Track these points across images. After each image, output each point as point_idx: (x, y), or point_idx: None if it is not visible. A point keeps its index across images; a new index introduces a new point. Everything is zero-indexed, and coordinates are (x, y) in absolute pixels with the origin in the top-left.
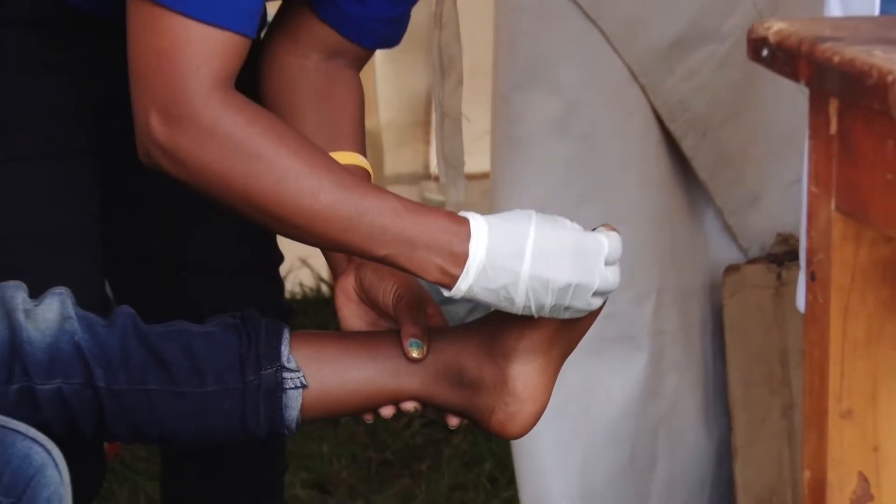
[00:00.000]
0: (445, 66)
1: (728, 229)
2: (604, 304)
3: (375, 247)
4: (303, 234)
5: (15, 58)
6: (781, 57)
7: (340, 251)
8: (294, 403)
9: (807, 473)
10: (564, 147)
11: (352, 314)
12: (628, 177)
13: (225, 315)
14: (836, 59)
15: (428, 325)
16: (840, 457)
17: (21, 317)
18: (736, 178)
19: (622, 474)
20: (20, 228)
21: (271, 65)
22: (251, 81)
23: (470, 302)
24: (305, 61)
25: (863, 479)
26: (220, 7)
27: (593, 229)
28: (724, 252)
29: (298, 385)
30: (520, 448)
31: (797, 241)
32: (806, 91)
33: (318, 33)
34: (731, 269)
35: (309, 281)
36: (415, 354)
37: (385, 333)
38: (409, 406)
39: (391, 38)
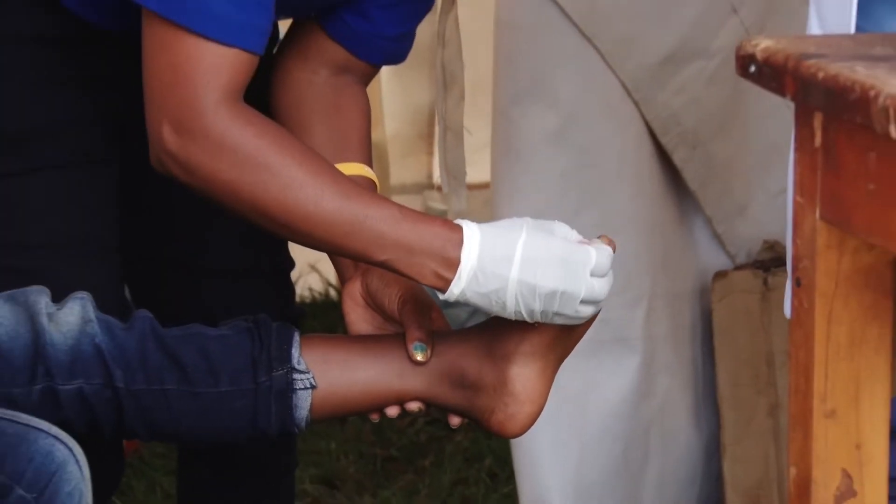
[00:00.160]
0: (448, 82)
1: (717, 237)
2: (597, 312)
3: (375, 252)
4: (307, 239)
5: (35, 73)
6: (768, 73)
7: (343, 255)
8: (304, 403)
9: (793, 470)
10: (561, 158)
11: (359, 318)
12: (622, 187)
13: (238, 319)
14: (821, 75)
15: (431, 330)
16: (824, 455)
17: (44, 320)
18: (724, 189)
19: (616, 470)
20: (44, 236)
21: (282, 80)
22: (263, 95)
23: (470, 306)
24: (315, 77)
25: (846, 475)
26: (230, 26)
27: (593, 239)
28: (713, 259)
29: (308, 386)
30: (519, 445)
31: (783, 248)
32: (791, 105)
33: (328, 50)
34: (720, 274)
35: (318, 285)
36: (419, 357)
37: (390, 337)
38: (414, 406)
39: (397, 55)
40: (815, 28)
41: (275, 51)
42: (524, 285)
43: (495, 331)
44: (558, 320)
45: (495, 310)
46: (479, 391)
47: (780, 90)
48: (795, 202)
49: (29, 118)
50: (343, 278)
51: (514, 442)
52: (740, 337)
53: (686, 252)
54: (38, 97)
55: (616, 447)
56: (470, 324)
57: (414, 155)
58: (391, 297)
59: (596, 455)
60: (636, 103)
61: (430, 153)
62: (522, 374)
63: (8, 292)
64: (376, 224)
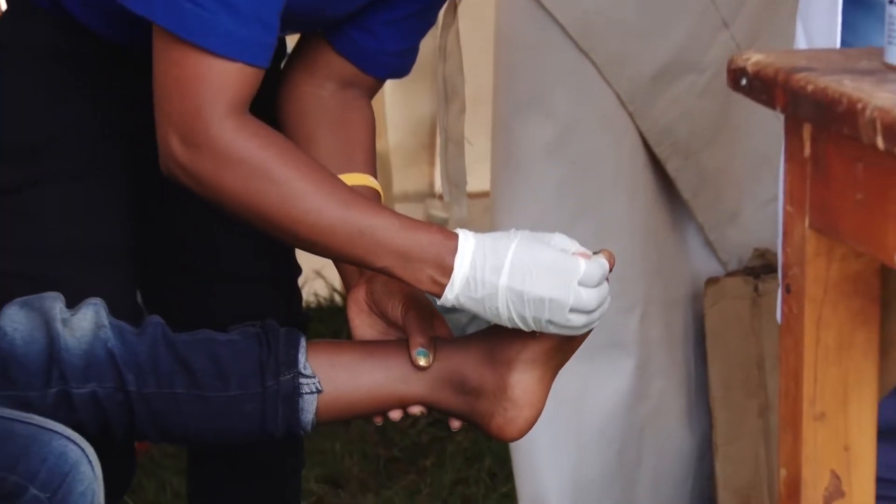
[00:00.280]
0: (449, 95)
1: (709, 244)
2: (590, 322)
3: (375, 259)
4: (311, 247)
5: (49, 86)
6: (759, 86)
7: (345, 262)
8: (310, 407)
9: (783, 471)
10: (559, 169)
11: (363, 324)
12: (617, 196)
13: (247, 324)
14: (810, 87)
15: (434, 336)
16: (814, 456)
17: (59, 326)
18: (716, 197)
19: (612, 470)
20: (58, 243)
21: (290, 93)
22: (271, 107)
23: (468, 312)
24: (321, 90)
25: (835, 476)
26: (235, 42)
27: (595, 252)
28: (705, 265)
29: (314, 390)
30: (517, 446)
31: (773, 255)
32: (780, 117)
33: (334, 65)
34: (712, 281)
35: (323, 291)
36: (422, 363)
37: (394, 342)
38: (416, 410)
39: (401, 69)
40: (801, 44)
41: (282, 65)
42: (513, 292)
43: (497, 338)
44: (552, 329)
45: (490, 316)
46: (479, 396)
47: (770, 103)
48: (785, 211)
49: (43, 130)
50: (348, 285)
51: (513, 443)
52: (732, 341)
53: (679, 259)
54: (52, 109)
55: (612, 448)
56: (470, 329)
57: (416, 165)
58: (395, 304)
59: (592, 455)
60: (631, 115)
61: (432, 163)
62: (522, 380)
63: (23, 298)
64: (376, 233)
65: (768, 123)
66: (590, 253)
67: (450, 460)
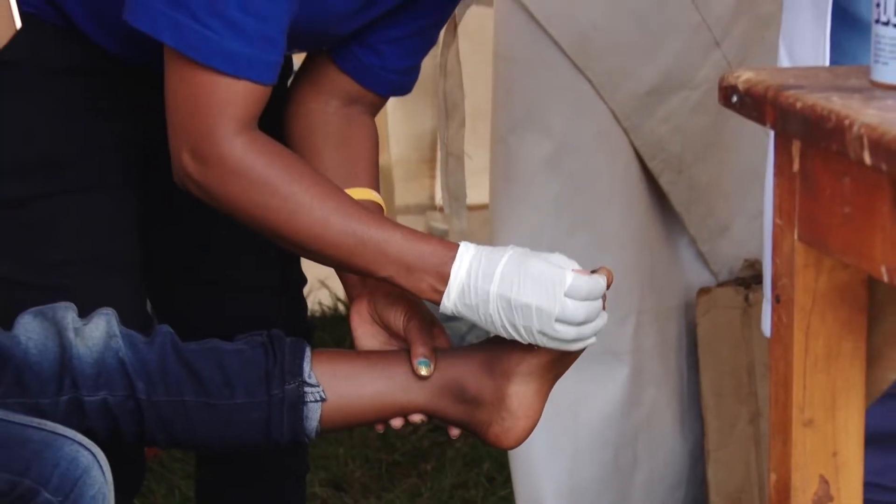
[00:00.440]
0: (449, 110)
1: (701, 256)
2: (582, 338)
3: (378, 269)
4: (317, 257)
5: (64, 103)
6: (749, 103)
7: (350, 271)
8: (314, 415)
9: (773, 476)
10: (555, 182)
11: (366, 334)
12: (612, 209)
13: (253, 333)
14: (799, 105)
15: (434, 346)
16: (803, 461)
17: (71, 335)
18: (707, 211)
19: (607, 475)
20: (71, 254)
21: (296, 110)
22: (278, 123)
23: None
24: (326, 107)
25: (823, 481)
26: (243, 62)
27: (593, 271)
28: (697, 276)
29: (318, 398)
30: (515, 451)
31: (762, 266)
32: (770, 133)
33: (339, 82)
34: (704, 291)
35: (327, 300)
36: (423, 372)
37: (396, 352)
38: (416, 418)
39: (404, 86)
40: (784, 65)
41: (289, 82)
42: (502, 299)
43: (496, 350)
44: (545, 341)
45: (486, 323)
46: (478, 406)
47: (760, 119)
48: (775, 224)
49: (58, 145)
50: (351, 296)
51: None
52: (723, 349)
53: (672, 270)
54: (66, 125)
55: (607, 453)
56: (469, 338)
57: (417, 178)
58: (396, 315)
59: (588, 460)
60: (625, 131)
61: (433, 176)
62: (520, 392)
63: (37, 308)
64: (378, 245)
65: (758, 139)
66: (587, 271)
67: (450, 464)
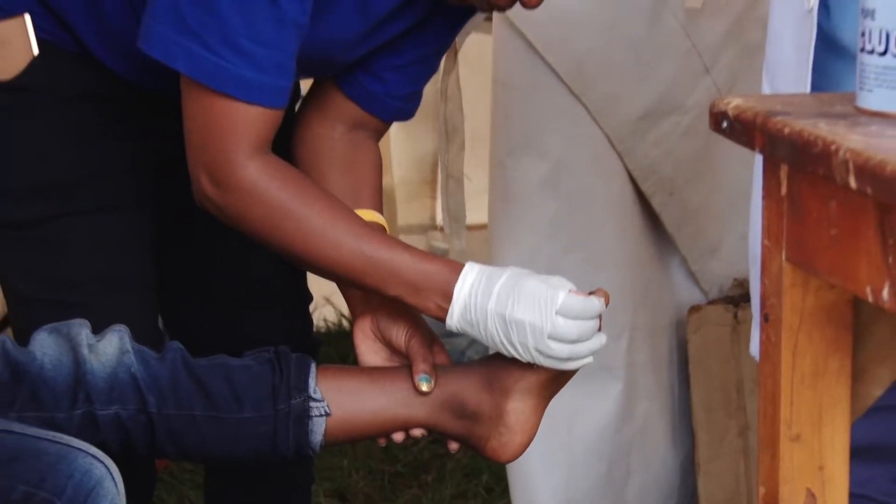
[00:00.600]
0: (450, 134)
1: (692, 275)
2: (577, 355)
3: (387, 288)
4: (328, 276)
5: (80, 127)
6: (739, 128)
7: (360, 289)
8: (318, 429)
9: (761, 489)
10: (552, 203)
11: (368, 350)
12: (607, 229)
13: (261, 350)
14: (787, 130)
15: (435, 363)
16: (790, 475)
17: (85, 351)
18: (698, 231)
19: (601, 486)
20: (86, 273)
21: (304, 134)
22: (287, 145)
23: (468, 336)
24: (332, 132)
25: (810, 494)
26: (255, 88)
27: (590, 293)
28: (688, 294)
29: (323, 413)
30: (513, 463)
31: (749, 286)
32: (755, 157)
33: (344, 108)
34: (694, 309)
35: (332, 317)
36: (424, 388)
37: (398, 369)
38: (417, 432)
39: (406, 112)
40: (766, 92)
41: (297, 107)
42: (498, 315)
43: (496, 368)
44: (541, 359)
45: (486, 339)
46: (476, 421)
47: (749, 144)
48: (763, 245)
49: (72, 168)
50: (354, 314)
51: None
52: (713, 365)
53: (664, 288)
54: (81, 149)
55: (601, 465)
56: (469, 353)
57: (419, 199)
58: (398, 332)
59: (583, 472)
60: (619, 154)
61: (434, 197)
62: (518, 408)
63: (52, 325)
64: (387, 265)
65: (747, 163)
66: (584, 293)
67: (450, 476)
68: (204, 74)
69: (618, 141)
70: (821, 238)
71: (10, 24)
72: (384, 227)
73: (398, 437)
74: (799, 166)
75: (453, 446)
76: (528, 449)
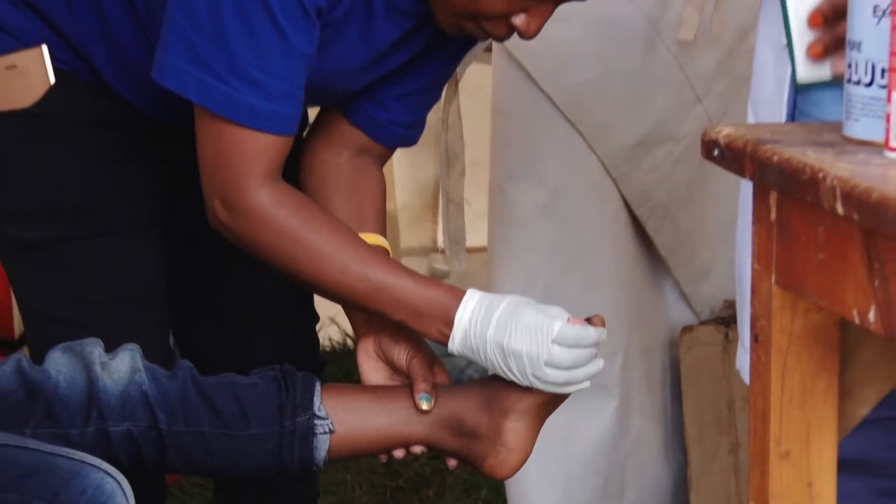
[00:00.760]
0: (451, 161)
1: (684, 296)
2: (573, 381)
3: (392, 312)
4: (334, 299)
5: (95, 153)
6: (730, 156)
7: (365, 313)
8: (323, 446)
9: None
10: (549, 227)
11: (371, 370)
12: (602, 252)
13: (267, 368)
14: (776, 158)
15: (435, 382)
16: (780, 491)
17: (98, 369)
18: (690, 254)
19: (597, 500)
20: (100, 293)
21: (311, 160)
22: (295, 171)
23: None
24: (338, 158)
25: None
26: (265, 117)
27: (587, 318)
28: (681, 315)
29: (327, 430)
30: (511, 478)
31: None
32: (741, 184)
33: (349, 135)
34: (687, 329)
35: (337, 336)
36: (424, 407)
37: (399, 387)
38: (417, 449)
39: (410, 139)
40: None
41: (304, 134)
42: (496, 344)
43: (494, 389)
44: (538, 383)
45: (486, 364)
46: (475, 439)
47: (740, 171)
48: (753, 269)
49: (87, 192)
50: (358, 334)
51: None
52: (704, 384)
53: (657, 309)
54: (95, 174)
55: (596, 480)
56: (469, 371)
57: (421, 222)
58: (400, 353)
59: (579, 487)
60: (614, 180)
61: (435, 221)
62: (515, 427)
63: (66, 344)
64: (391, 291)
65: (738, 189)
66: (581, 319)
67: (450, 490)
68: (216, 104)
69: (613, 167)
70: (809, 262)
71: (28, 55)
72: (387, 250)
73: (399, 453)
74: (788, 193)
75: (452, 463)
76: (525, 464)
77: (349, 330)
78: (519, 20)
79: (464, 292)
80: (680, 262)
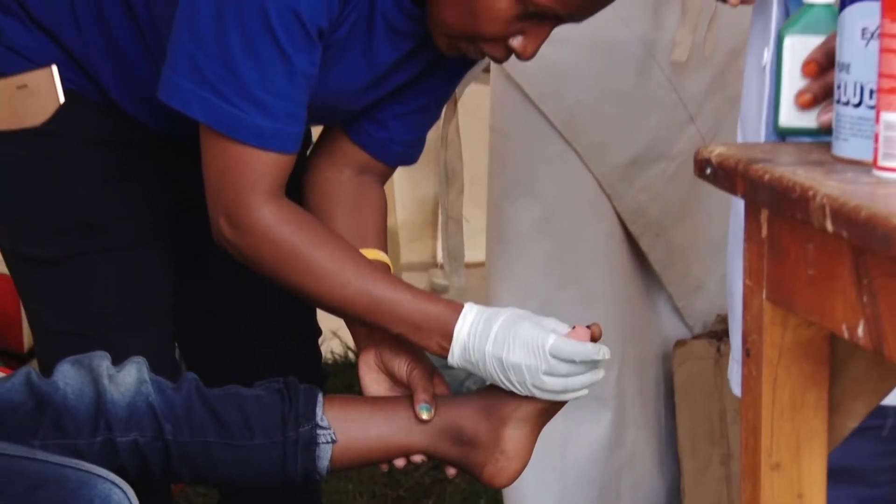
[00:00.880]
0: (450, 178)
1: (677, 311)
2: (570, 388)
3: (392, 326)
4: (336, 313)
5: (103, 171)
6: (722, 175)
7: (368, 327)
8: (325, 455)
9: None
10: (546, 243)
11: (372, 381)
12: (598, 268)
13: (271, 380)
14: (767, 177)
15: (435, 393)
16: (771, 502)
17: (105, 381)
18: (683, 270)
19: None
20: (108, 307)
21: (314, 178)
22: (299, 189)
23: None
24: (341, 176)
25: None
26: (269, 136)
27: (588, 326)
28: (674, 329)
29: (329, 440)
30: (509, 488)
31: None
32: (732, 202)
33: (351, 153)
34: (680, 343)
35: (339, 349)
36: (424, 416)
37: (400, 398)
38: (418, 458)
39: (410, 157)
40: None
41: (308, 152)
42: (495, 358)
43: (495, 397)
44: (537, 392)
45: (486, 376)
46: (474, 447)
47: (732, 190)
48: (745, 285)
49: (99, 208)
50: (359, 347)
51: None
52: (697, 396)
53: (651, 323)
54: (106, 190)
55: (592, 490)
56: (468, 383)
57: (421, 238)
58: (400, 365)
59: (575, 496)
60: (609, 197)
61: (435, 237)
62: (515, 435)
63: (75, 357)
64: (391, 306)
65: (729, 206)
66: (582, 326)
67: (449, 499)
68: (220, 123)
69: (608, 185)
70: (799, 278)
71: (39, 75)
72: (388, 266)
73: (400, 462)
74: (778, 211)
75: (451, 472)
76: (523, 474)
77: (351, 343)
78: (516, 42)
79: (462, 306)
80: (673, 278)
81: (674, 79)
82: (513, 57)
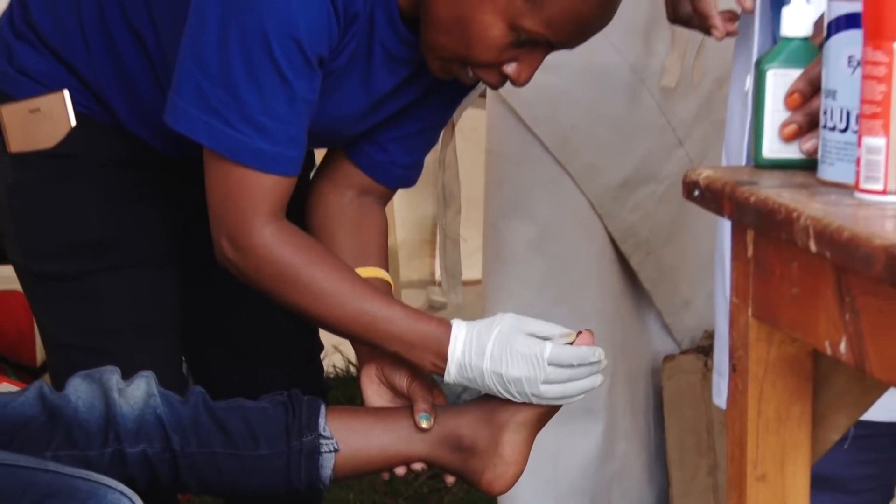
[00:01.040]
0: (447, 199)
1: (666, 327)
2: (567, 393)
3: (387, 345)
4: (334, 332)
5: (113, 192)
6: (709, 197)
7: (363, 344)
8: (328, 464)
9: None
10: (540, 262)
11: (374, 393)
12: (590, 285)
13: (275, 393)
14: (753, 199)
15: (434, 403)
16: None
17: (115, 395)
18: (672, 288)
19: None
20: (117, 323)
21: (316, 200)
22: (302, 210)
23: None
24: (343, 198)
25: None
26: (270, 159)
27: (578, 332)
28: (663, 345)
29: (332, 450)
30: (503, 497)
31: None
32: (719, 222)
33: (353, 176)
34: (669, 358)
35: (340, 363)
36: (424, 425)
37: (400, 409)
38: (418, 467)
39: (409, 179)
40: (723, 161)
41: (311, 175)
42: (494, 374)
43: (493, 404)
44: (535, 400)
45: (482, 388)
46: (472, 454)
47: (719, 211)
48: (732, 302)
49: (109, 227)
50: (361, 361)
51: (500, 496)
52: (685, 409)
53: (641, 339)
54: (116, 210)
55: (584, 500)
56: (465, 396)
57: (420, 257)
58: (401, 377)
59: None
60: (601, 218)
61: (433, 256)
62: (512, 439)
63: (85, 371)
64: (386, 325)
65: (716, 227)
66: (575, 333)
67: None
68: (224, 147)
69: (599, 206)
70: (784, 296)
71: (51, 99)
72: (389, 283)
73: (400, 471)
74: (764, 231)
75: (450, 480)
76: (517, 484)
77: (352, 357)
78: (510, 69)
79: (451, 327)
80: (662, 295)
81: (663, 104)
82: (508, 82)
